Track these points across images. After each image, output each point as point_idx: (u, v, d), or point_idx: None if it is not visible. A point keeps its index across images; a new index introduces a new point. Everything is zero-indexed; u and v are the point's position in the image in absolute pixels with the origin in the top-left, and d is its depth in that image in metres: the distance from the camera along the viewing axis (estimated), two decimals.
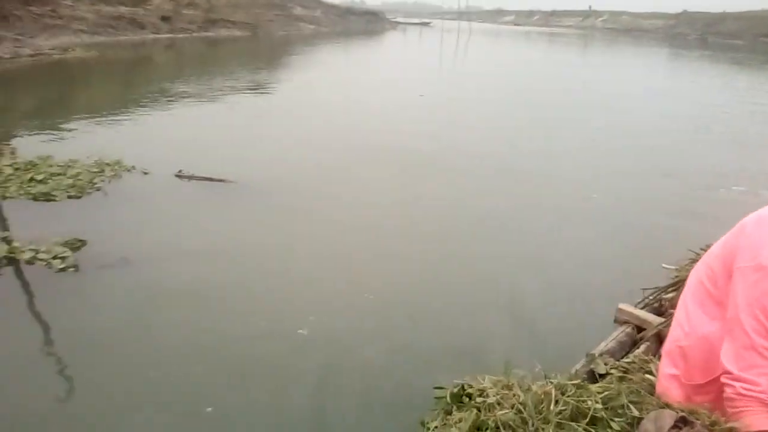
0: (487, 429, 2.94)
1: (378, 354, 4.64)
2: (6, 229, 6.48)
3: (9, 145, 9.91)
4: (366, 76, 26.11)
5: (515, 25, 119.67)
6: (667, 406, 2.80)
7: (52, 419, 3.79)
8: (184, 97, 16.53)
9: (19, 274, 5.66)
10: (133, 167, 8.95)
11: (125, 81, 21.62)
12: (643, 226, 7.86)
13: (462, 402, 3.25)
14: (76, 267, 5.77)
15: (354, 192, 8.88)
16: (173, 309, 5.21)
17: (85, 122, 12.63)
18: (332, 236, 7.13)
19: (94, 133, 11.71)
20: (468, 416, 3.05)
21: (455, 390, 3.28)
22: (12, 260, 5.86)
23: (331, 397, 4.08)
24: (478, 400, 3.15)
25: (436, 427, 3.14)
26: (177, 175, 8.73)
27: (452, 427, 3.04)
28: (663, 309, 4.70)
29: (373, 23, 70.17)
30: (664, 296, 4.89)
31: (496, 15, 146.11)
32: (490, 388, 3.19)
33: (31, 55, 24.28)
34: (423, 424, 3.21)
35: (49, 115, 13.44)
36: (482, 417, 3.02)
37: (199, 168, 8.92)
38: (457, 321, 5.27)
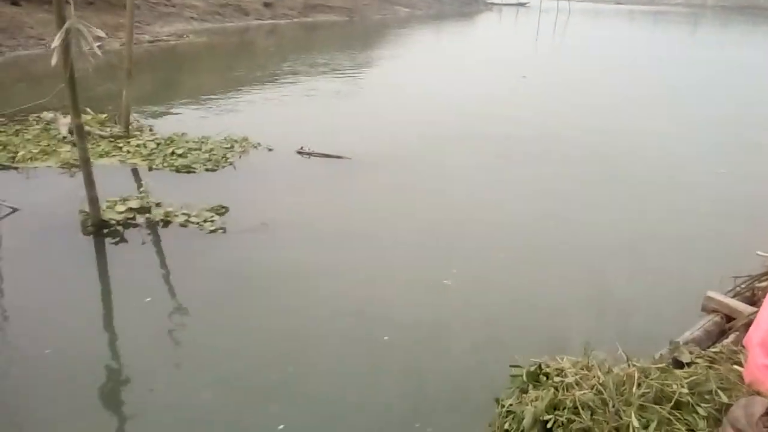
0: (564, 408, 2.92)
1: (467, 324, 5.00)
2: (159, 196, 7.22)
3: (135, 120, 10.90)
4: (463, 58, 26.05)
5: (617, 3, 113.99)
6: (759, 394, 2.80)
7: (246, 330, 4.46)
8: (289, 80, 17.32)
9: (177, 234, 6.40)
10: (259, 144, 9.67)
11: (235, 65, 22.74)
12: (752, 208, 7.66)
13: (538, 381, 3.24)
14: (224, 229, 6.47)
15: (457, 171, 9.12)
16: (323, 263, 5.87)
17: (206, 102, 13.65)
18: (446, 208, 7.50)
19: (216, 112, 12.65)
20: (545, 395, 3.04)
21: (532, 369, 3.29)
22: (167, 223, 6.62)
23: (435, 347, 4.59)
24: (556, 379, 3.14)
25: (511, 404, 3.15)
26: (298, 152, 9.35)
27: (528, 405, 3.05)
28: (755, 298, 4.43)
29: (467, 5, 69.15)
30: (758, 285, 4.62)
31: None
32: (569, 368, 3.18)
33: (150, 41, 26.05)
34: (498, 401, 3.24)
35: (172, 96, 14.50)
36: (560, 396, 3.01)
37: (316, 145, 9.50)
38: (539, 299, 5.37)
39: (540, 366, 3.29)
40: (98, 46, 5.84)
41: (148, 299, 5.05)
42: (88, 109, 11.06)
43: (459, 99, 15.11)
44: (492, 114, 13.13)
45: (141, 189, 7.09)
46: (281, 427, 3.72)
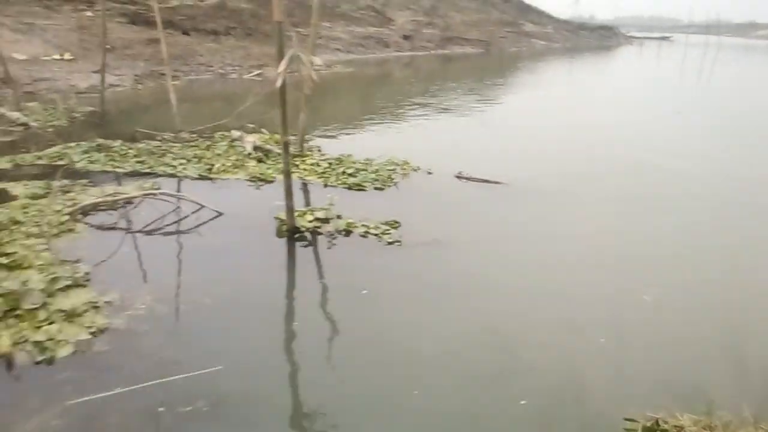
0: None
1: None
2: (337, 209, 7.98)
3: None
4: (606, 91, 25.70)
5: None
6: None
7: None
8: (433, 108, 18.10)
9: (358, 243, 7.12)
10: (419, 167, 10.33)
11: (380, 93, 24.01)
12: None
13: None
14: (399, 242, 7.08)
15: (615, 204, 9.17)
16: (501, 279, 6.35)
17: (358, 127, 14.86)
18: (609, 235, 7.66)
19: (370, 137, 13.70)
20: None
21: (648, 424, 3.19)
22: (349, 233, 7.36)
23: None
24: None
25: None
26: (457, 176, 9.89)
27: None
28: None
29: (606, 38, 67.67)
30: None
31: (747, 29, 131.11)
32: (690, 427, 3.08)
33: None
34: None
35: (329, 120, 15.62)
36: None
37: (470, 169, 9.99)
38: (665, 350, 5.12)
39: (657, 422, 3.20)
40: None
41: (364, 291, 5.76)
42: (264, 130, 12.36)
43: (608, 132, 15.05)
44: (649, 148, 12.99)
45: (327, 202, 7.87)
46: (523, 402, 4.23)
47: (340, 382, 4.52)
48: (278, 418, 4.17)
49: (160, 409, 4.08)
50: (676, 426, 3.09)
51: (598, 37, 66.26)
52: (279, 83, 6.42)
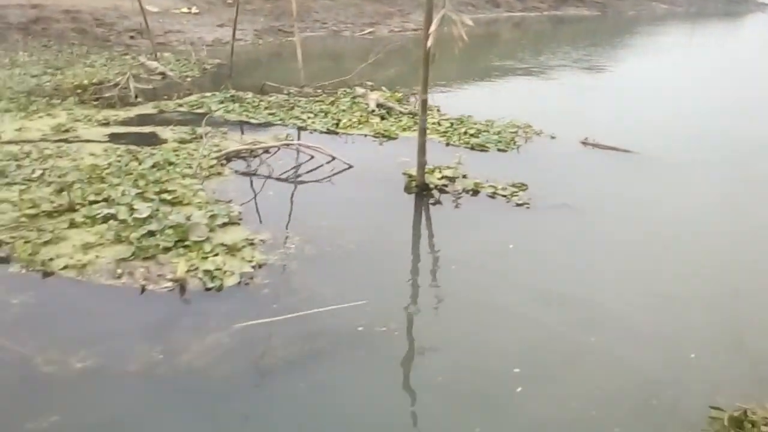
0: None
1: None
2: (462, 168, 8.11)
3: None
4: (731, 62, 23.91)
5: None
6: None
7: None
8: (548, 71, 17.66)
9: (486, 203, 7.25)
10: (541, 131, 10.22)
11: (490, 54, 23.52)
12: None
13: (742, 428, 3.04)
14: (528, 204, 7.14)
15: (740, 176, 8.63)
16: (642, 247, 6.34)
17: (471, 87, 15.00)
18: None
19: (485, 98, 13.78)
20: None
21: (736, 414, 3.09)
22: (476, 192, 7.50)
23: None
24: (764, 429, 2.97)
25: None
26: (582, 142, 9.71)
27: None
28: None
29: (735, 3, 62.25)
30: None
31: None
32: None
33: (414, 30, 28.03)
34: None
35: (441, 79, 15.49)
36: None
37: (596, 136, 9.71)
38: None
39: (746, 412, 3.14)
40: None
41: (511, 246, 5.99)
42: (384, 88, 12.57)
43: (735, 104, 14.11)
44: None
45: (454, 161, 8.00)
46: None
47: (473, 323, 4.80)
48: (409, 343, 4.63)
49: (359, 328, 4.65)
50: (766, 417, 3.05)
51: (725, 2, 61.17)
52: (430, 43, 6.54)
